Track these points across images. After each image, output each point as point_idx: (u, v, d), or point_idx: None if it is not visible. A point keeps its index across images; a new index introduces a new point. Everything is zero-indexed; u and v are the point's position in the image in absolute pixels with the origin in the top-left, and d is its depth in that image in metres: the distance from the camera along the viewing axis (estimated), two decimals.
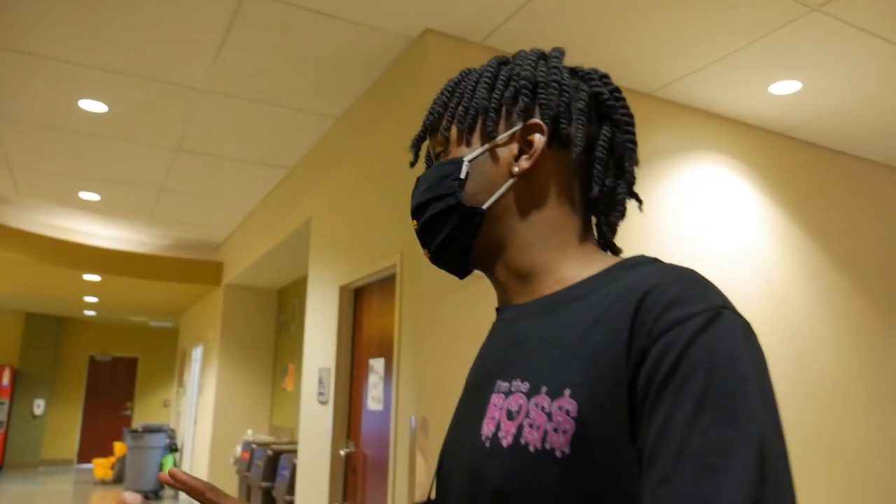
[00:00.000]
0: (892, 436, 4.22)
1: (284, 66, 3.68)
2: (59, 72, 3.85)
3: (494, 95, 0.78)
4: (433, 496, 0.86)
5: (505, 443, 0.65)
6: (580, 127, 0.76)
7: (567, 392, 0.62)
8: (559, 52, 0.83)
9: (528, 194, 0.77)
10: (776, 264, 4.04)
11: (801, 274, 4.12)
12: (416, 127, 3.15)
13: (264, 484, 5.31)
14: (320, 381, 4.07)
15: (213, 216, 6.84)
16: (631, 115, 0.80)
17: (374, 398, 3.56)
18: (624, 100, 0.81)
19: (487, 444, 0.67)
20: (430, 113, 0.83)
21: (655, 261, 0.69)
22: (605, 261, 0.74)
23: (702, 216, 3.82)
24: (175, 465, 9.55)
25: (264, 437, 6.96)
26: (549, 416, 0.62)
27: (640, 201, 0.82)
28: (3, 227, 6.72)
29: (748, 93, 3.75)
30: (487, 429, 0.68)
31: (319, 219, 4.55)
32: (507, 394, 0.68)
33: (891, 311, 4.46)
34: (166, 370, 13.60)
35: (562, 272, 0.75)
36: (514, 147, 0.77)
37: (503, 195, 0.76)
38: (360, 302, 3.91)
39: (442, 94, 0.83)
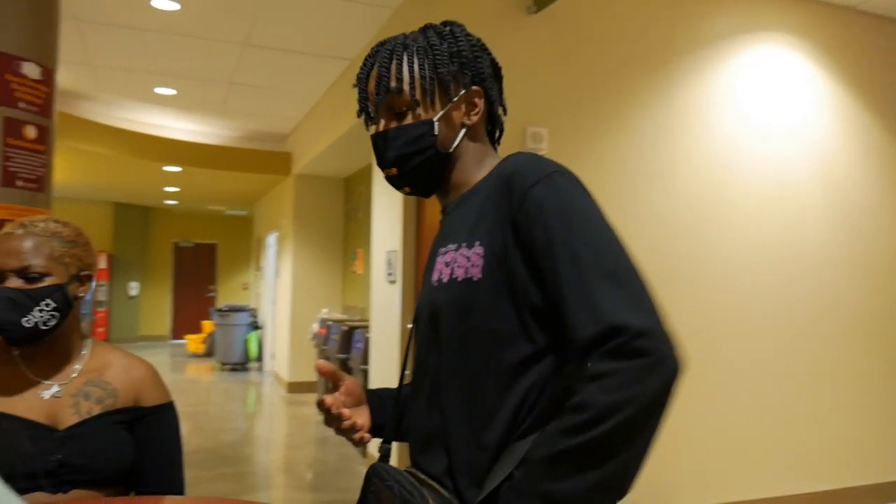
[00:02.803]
0: None
1: None
2: None
3: (450, 70, 1.07)
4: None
5: (445, 279, 1.02)
6: (493, 87, 1.11)
7: (477, 242, 0.98)
8: (463, 27, 1.12)
9: (469, 136, 1.11)
10: (836, 145, 4.02)
11: (864, 156, 4.09)
12: (473, 13, 3.23)
13: (340, 356, 5.85)
14: (389, 263, 4.40)
15: (280, 108, 7.09)
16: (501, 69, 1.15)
17: None
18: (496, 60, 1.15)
19: (436, 284, 1.04)
20: (386, 79, 1.07)
21: (518, 153, 1.04)
22: (495, 163, 1.09)
23: (764, 97, 3.81)
24: (259, 342, 10.42)
25: (338, 315, 7.53)
26: (468, 258, 0.99)
27: (502, 127, 1.18)
28: (88, 122, 7.16)
29: None
30: (436, 276, 1.05)
31: None
32: (444, 253, 1.04)
33: None
34: (243, 255, 14.44)
35: (475, 178, 1.10)
36: (462, 105, 1.09)
37: (461, 140, 1.09)
38: None
39: (390, 61, 1.07)
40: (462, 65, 1.08)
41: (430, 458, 1.01)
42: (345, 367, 5.86)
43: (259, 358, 10.50)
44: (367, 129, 1.15)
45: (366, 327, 5.47)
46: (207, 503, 1.23)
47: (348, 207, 8.39)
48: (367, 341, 5.20)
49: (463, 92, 1.08)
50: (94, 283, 1.41)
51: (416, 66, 1.06)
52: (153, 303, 13.75)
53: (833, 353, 3.94)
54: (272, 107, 7.05)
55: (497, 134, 1.17)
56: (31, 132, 2.43)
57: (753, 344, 3.72)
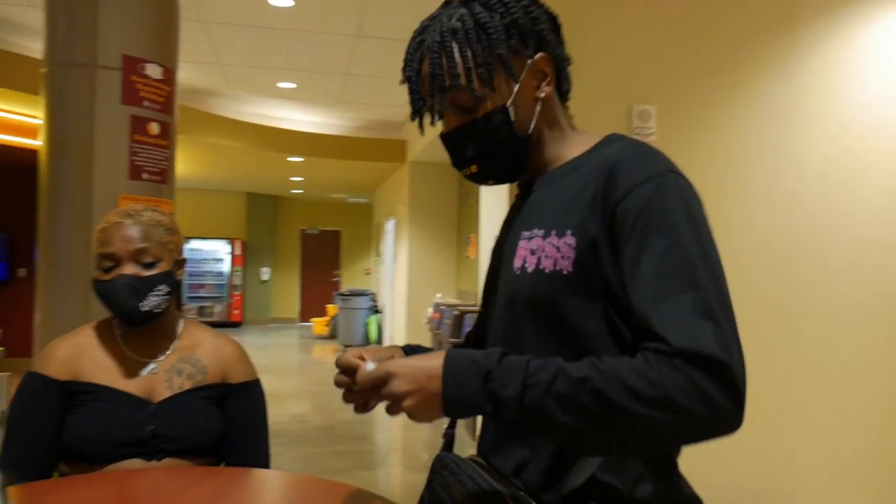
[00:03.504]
0: None
1: None
2: None
3: (509, 46, 0.96)
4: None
5: (530, 269, 0.94)
6: (561, 48, 1.02)
7: (569, 232, 0.90)
8: None
9: (544, 109, 1.02)
10: None
11: None
12: None
13: (452, 340, 5.93)
14: None
15: (394, 96, 7.24)
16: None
17: None
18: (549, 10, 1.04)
19: (518, 272, 0.96)
20: (441, 77, 0.96)
21: (623, 137, 0.97)
22: (590, 140, 1.01)
23: None
24: (378, 325, 10.78)
25: (452, 300, 7.63)
26: (558, 248, 0.91)
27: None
28: (219, 118, 7.66)
29: None
30: (517, 263, 0.96)
31: None
32: (529, 238, 0.96)
33: None
34: (365, 241, 14.96)
35: (565, 154, 1.02)
36: (532, 78, 0.99)
37: (537, 117, 1.00)
38: None
39: (440, 55, 0.96)
40: (521, 35, 0.97)
41: (504, 453, 0.97)
42: None
43: (379, 340, 10.87)
44: (421, 132, 1.04)
45: (476, 312, 5.50)
46: (290, 478, 1.29)
47: (462, 193, 8.45)
48: None
49: (529, 63, 0.98)
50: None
51: (469, 54, 0.95)
52: (283, 287, 14.56)
53: None
54: (387, 95, 7.22)
55: (567, 92, 1.06)
56: (154, 128, 2.62)
57: (885, 337, 3.38)
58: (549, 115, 1.02)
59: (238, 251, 13.54)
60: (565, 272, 0.89)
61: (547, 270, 0.91)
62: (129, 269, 1.36)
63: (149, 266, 1.38)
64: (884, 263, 3.37)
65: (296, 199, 14.70)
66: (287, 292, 14.62)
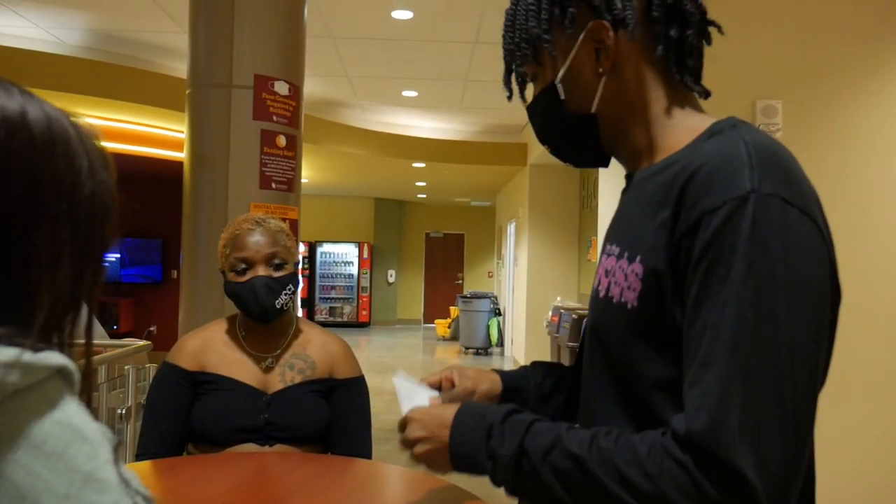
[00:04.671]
0: None
1: None
2: None
3: (543, 18, 0.84)
4: None
5: (601, 294, 0.82)
6: (626, 6, 0.80)
7: (638, 258, 0.76)
8: None
9: (618, 84, 0.84)
10: None
11: None
12: None
13: (570, 344, 5.87)
14: None
15: (514, 100, 7.26)
16: None
17: None
18: None
19: (594, 292, 0.86)
20: (505, 53, 0.92)
21: (735, 126, 0.76)
22: (698, 125, 0.81)
23: None
24: (499, 327, 10.84)
25: (572, 304, 7.54)
26: (626, 276, 0.77)
27: (718, 27, 0.84)
28: (350, 128, 8.05)
29: None
30: (596, 281, 0.86)
31: None
32: (608, 255, 0.84)
33: None
34: (488, 244, 15.08)
35: (663, 143, 0.83)
36: (590, 50, 0.83)
37: (601, 94, 0.84)
38: None
39: (505, 30, 0.91)
40: (563, 4, 0.83)
41: None
42: (574, 355, 5.87)
43: (500, 343, 10.92)
44: (509, 98, 0.98)
45: None
46: (386, 468, 1.37)
47: (583, 195, 8.33)
48: None
49: (582, 35, 0.83)
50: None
51: (516, 29, 0.88)
52: (408, 289, 14.98)
53: None
54: (506, 100, 7.25)
55: (682, 60, 0.83)
56: (282, 141, 2.83)
57: None
58: (625, 93, 0.84)
59: (366, 254, 14.10)
60: (630, 306, 0.76)
61: (615, 300, 0.79)
62: (263, 270, 1.50)
63: (278, 268, 1.52)
64: None
65: (420, 204, 15.09)
66: (412, 294, 15.03)
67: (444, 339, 12.49)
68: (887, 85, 2.99)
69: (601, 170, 4.70)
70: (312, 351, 1.60)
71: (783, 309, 0.65)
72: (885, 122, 2.99)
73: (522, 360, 8.67)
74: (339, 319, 13.82)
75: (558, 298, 7.96)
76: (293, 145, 2.89)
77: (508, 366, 9.54)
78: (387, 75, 6.52)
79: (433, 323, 14.35)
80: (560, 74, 0.86)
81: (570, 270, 8.46)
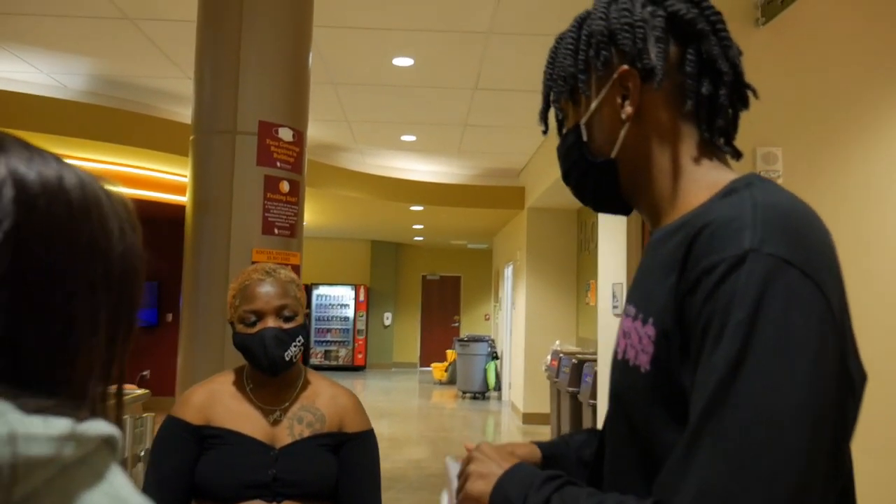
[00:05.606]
0: None
1: None
2: (373, 37, 4.53)
3: (580, 59, 0.85)
4: None
5: (619, 356, 0.81)
6: (660, 57, 0.79)
7: (651, 321, 0.74)
8: None
9: (641, 133, 0.83)
10: None
11: None
12: None
13: (570, 389, 5.80)
14: (614, 296, 4.30)
15: (512, 144, 7.36)
16: (718, 16, 0.82)
17: None
18: (707, 4, 0.82)
19: (615, 355, 0.83)
20: (544, 86, 0.92)
21: (751, 184, 0.74)
22: (717, 182, 0.79)
23: None
24: (497, 371, 10.74)
25: (571, 348, 7.49)
26: (640, 338, 0.75)
27: (753, 90, 0.84)
28: (348, 171, 8.10)
29: None
30: (616, 343, 0.83)
31: None
32: (627, 316, 0.81)
33: None
34: (485, 287, 15.06)
35: (684, 199, 0.82)
36: (617, 95, 0.83)
37: (623, 140, 0.84)
38: None
39: (546, 65, 0.92)
40: (598, 46, 0.83)
41: None
42: (575, 400, 5.80)
43: (498, 387, 10.80)
44: (544, 134, 0.99)
45: (595, 360, 5.37)
46: None
47: (581, 238, 8.36)
48: (595, 375, 5.10)
49: (613, 78, 0.83)
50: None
51: (554, 67, 0.90)
52: (404, 332, 14.89)
53: None
54: (504, 144, 7.34)
55: (712, 118, 0.82)
56: (285, 186, 2.83)
57: None
58: (647, 143, 0.83)
59: (362, 297, 14.05)
60: (643, 370, 0.74)
61: (630, 363, 0.77)
62: (273, 322, 1.47)
63: (288, 319, 1.49)
64: None
65: (417, 246, 15.12)
66: (408, 337, 14.93)
67: (441, 382, 12.36)
68: (886, 131, 3.03)
69: (601, 214, 4.72)
70: (322, 404, 1.56)
71: (771, 373, 0.61)
72: (884, 169, 3.01)
73: (521, 405, 8.56)
74: (335, 363, 13.68)
75: (557, 342, 7.90)
76: (296, 191, 2.89)
77: (506, 410, 9.44)
78: (386, 120, 6.59)
79: (430, 366, 14.22)
80: (586, 116, 0.86)
81: (569, 314, 8.42)
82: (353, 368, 13.75)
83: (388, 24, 4.32)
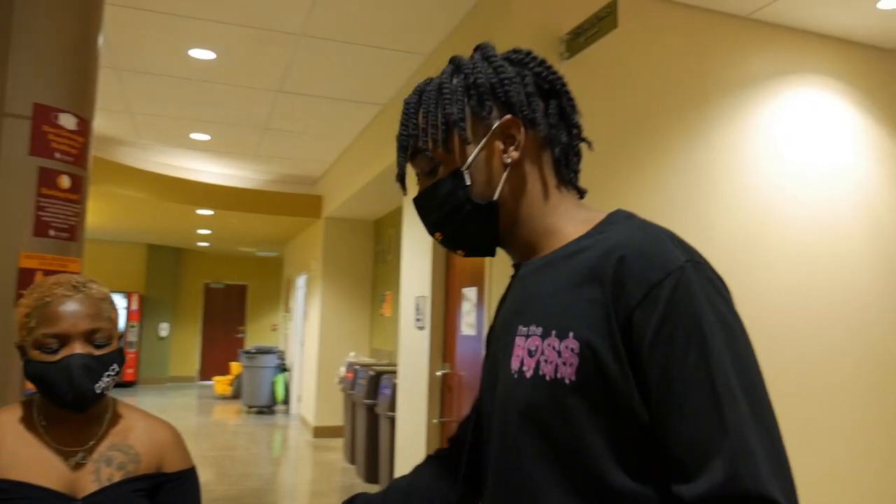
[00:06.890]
0: None
1: (374, 8, 3.81)
2: (170, 24, 4.14)
3: (458, 108, 0.91)
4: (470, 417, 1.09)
5: (528, 374, 0.83)
6: (537, 108, 0.92)
7: (571, 334, 0.80)
8: (491, 48, 0.97)
9: (518, 176, 0.92)
10: (879, 189, 3.90)
11: None
12: None
13: (367, 401, 5.76)
14: (417, 309, 4.34)
15: (312, 152, 7.17)
16: (562, 78, 0.96)
17: (467, 324, 3.80)
18: (554, 68, 0.96)
19: (516, 376, 0.85)
20: (405, 139, 0.94)
21: (630, 217, 0.88)
22: (591, 217, 0.91)
23: (802, 139, 3.72)
24: (286, 384, 10.37)
25: (366, 359, 7.46)
26: (559, 353, 0.80)
27: (588, 143, 0.97)
28: (126, 167, 7.32)
29: (854, 9, 3.55)
30: (514, 365, 0.85)
31: None
32: (527, 336, 0.85)
33: None
34: (273, 296, 14.52)
35: (559, 232, 0.92)
36: (498, 142, 0.92)
37: (504, 184, 0.92)
38: None
39: (408, 118, 0.94)
40: (481, 96, 0.91)
41: None
42: (371, 413, 5.77)
43: (286, 401, 10.44)
44: (403, 192, 1.01)
45: (393, 372, 5.40)
46: None
47: (378, 250, 8.39)
48: (394, 387, 5.11)
49: (495, 126, 0.90)
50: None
51: (427, 116, 0.92)
52: (183, 344, 13.84)
53: (880, 403, 3.75)
54: (304, 151, 7.14)
55: (570, 163, 0.95)
56: (65, 182, 2.44)
57: (790, 392, 3.56)
58: (525, 185, 0.91)
59: (135, 306, 12.81)
60: (568, 381, 0.78)
61: (548, 377, 0.80)
62: (80, 347, 1.22)
63: (101, 346, 1.24)
64: (782, 323, 3.58)
65: (201, 252, 14.16)
66: (187, 349, 13.90)
67: (224, 397, 11.65)
68: (668, 163, 3.41)
69: (405, 227, 4.76)
70: (135, 440, 1.32)
71: (746, 350, 0.76)
72: (664, 196, 3.39)
73: (311, 418, 8.34)
74: None
75: (352, 354, 7.83)
76: (79, 187, 2.51)
77: (295, 424, 9.15)
78: (177, 115, 6.07)
79: (211, 380, 13.36)
80: (469, 161, 0.91)
81: (363, 325, 8.40)
82: (121, 384, 12.44)
83: (190, 13, 3.97)
